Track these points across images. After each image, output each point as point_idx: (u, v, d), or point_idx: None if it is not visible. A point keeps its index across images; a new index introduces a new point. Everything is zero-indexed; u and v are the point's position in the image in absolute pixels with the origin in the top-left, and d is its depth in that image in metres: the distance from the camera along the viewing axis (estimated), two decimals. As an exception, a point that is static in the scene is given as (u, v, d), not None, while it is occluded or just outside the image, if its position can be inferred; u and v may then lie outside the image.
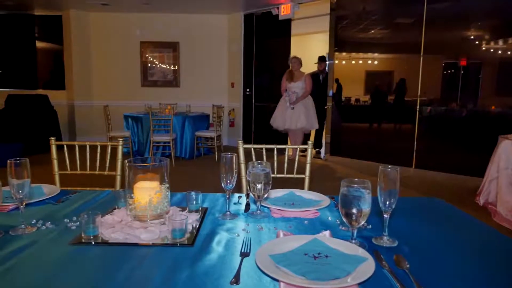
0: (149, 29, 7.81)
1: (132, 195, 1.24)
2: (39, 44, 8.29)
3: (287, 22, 7.09)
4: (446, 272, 0.97)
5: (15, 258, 1.01)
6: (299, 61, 6.25)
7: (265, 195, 1.36)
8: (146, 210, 1.22)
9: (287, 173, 2.09)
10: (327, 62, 6.88)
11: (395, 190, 1.14)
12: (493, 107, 5.49)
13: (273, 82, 7.95)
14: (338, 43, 6.56)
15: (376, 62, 6.84)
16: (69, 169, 2.09)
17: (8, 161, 1.19)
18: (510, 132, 4.36)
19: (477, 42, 5.53)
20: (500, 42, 5.43)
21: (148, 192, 1.22)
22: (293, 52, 7.31)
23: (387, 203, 1.14)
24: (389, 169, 1.14)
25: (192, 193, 1.38)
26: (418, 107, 5.65)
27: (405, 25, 6.12)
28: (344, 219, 1.10)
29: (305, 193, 1.64)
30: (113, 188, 2.01)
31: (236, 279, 0.90)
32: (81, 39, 7.70)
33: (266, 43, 7.76)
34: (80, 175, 2.12)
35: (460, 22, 5.47)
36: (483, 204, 3.98)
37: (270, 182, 1.35)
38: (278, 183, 1.79)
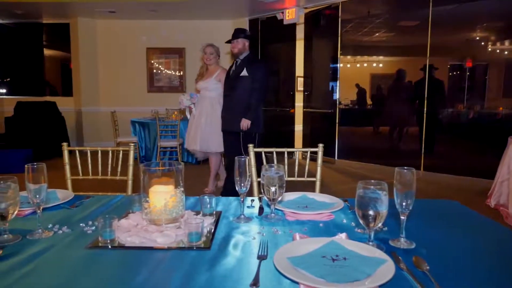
0: (155, 36, 7.87)
1: (148, 199, 1.25)
2: (46, 52, 8.38)
3: (292, 27, 7.10)
4: (466, 274, 0.96)
5: (34, 262, 1.01)
6: (216, 51, 4.44)
7: (279, 198, 1.36)
8: (161, 214, 1.22)
9: (298, 176, 2.08)
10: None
11: (412, 191, 1.13)
12: (500, 108, 5.45)
13: (279, 87, 7.97)
14: (343, 46, 6.56)
15: (381, 65, 6.84)
16: (81, 174, 2.10)
17: (26, 166, 1.20)
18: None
19: (482, 43, 5.51)
20: (506, 43, 5.41)
21: (163, 196, 1.23)
22: (299, 57, 7.34)
23: (404, 204, 1.14)
24: (405, 171, 1.13)
25: (206, 197, 1.39)
26: (425, 109, 5.61)
27: (410, 27, 6.11)
28: (361, 221, 1.09)
29: (318, 196, 1.63)
30: (124, 193, 2.01)
31: (255, 282, 0.90)
32: (88, 46, 7.77)
33: (272, 47, 7.79)
34: (92, 180, 2.13)
35: (465, 24, 5.45)
36: (495, 206, 3.94)
37: (284, 185, 1.35)
38: (288, 187, 1.78)
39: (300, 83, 7.53)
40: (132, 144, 2.06)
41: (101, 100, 8.01)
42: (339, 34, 6.46)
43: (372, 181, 1.08)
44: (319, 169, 2.06)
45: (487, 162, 4.94)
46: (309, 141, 7.16)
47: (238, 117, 3.80)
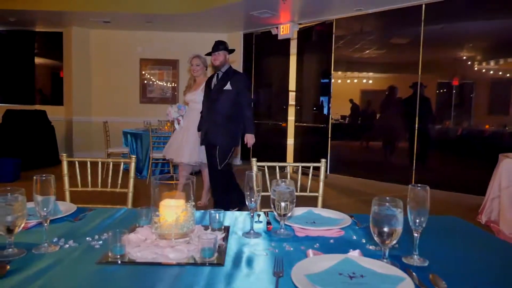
0: (149, 47, 7.88)
1: (158, 213, 1.23)
2: (37, 60, 8.29)
3: (287, 42, 7.19)
4: (483, 292, 0.97)
5: (42, 279, 0.98)
6: (202, 62, 4.37)
7: (289, 214, 1.36)
8: (172, 228, 1.20)
9: (300, 191, 2.08)
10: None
11: (425, 209, 1.14)
12: (487, 126, 5.58)
13: (272, 100, 8.02)
14: (335, 62, 6.64)
15: (370, 81, 6.95)
16: (80, 185, 2.06)
17: (34, 177, 1.17)
18: (506, 150, 4.41)
19: (469, 63, 5.65)
20: (492, 63, 5.56)
21: (174, 210, 1.21)
22: (292, 72, 7.41)
23: (417, 221, 1.14)
24: (418, 188, 1.14)
25: (215, 211, 1.37)
26: (416, 125, 5.71)
27: (401, 45, 6.24)
28: (376, 239, 1.09)
29: (323, 211, 1.63)
30: (125, 206, 1.98)
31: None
32: (81, 55, 7.72)
33: (266, 61, 7.86)
34: (91, 192, 2.09)
35: (453, 44, 5.59)
36: (485, 223, 3.99)
37: (295, 200, 1.34)
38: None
39: (292, 97, 7.60)
40: (133, 157, 2.03)
41: (92, 110, 7.93)
42: (333, 50, 6.56)
43: (387, 198, 1.09)
44: (321, 184, 2.07)
45: (476, 178, 5.02)
46: (300, 156, 7.19)
47: (221, 130, 3.78)
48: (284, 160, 7.40)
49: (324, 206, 1.92)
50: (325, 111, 6.87)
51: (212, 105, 3.87)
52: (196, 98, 4.30)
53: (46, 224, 1.19)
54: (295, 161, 7.29)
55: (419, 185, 1.15)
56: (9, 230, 1.09)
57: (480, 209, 4.14)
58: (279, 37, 7.02)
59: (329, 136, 6.68)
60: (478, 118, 5.65)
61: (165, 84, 8.05)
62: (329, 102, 6.76)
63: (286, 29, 6.89)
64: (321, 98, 7.11)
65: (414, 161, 5.76)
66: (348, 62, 6.77)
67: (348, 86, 6.89)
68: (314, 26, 6.91)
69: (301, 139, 7.32)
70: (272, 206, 1.35)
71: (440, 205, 5.01)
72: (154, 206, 1.24)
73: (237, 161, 7.96)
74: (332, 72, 6.64)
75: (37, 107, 7.76)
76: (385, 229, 1.06)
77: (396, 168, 6.10)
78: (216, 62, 3.86)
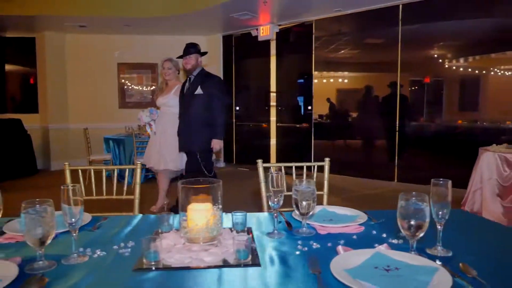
0: (127, 51, 7.74)
1: (185, 217, 1.23)
2: (8, 67, 7.98)
3: (267, 43, 7.25)
4: None
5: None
6: (174, 66, 4.26)
7: (311, 213, 1.39)
8: (202, 232, 1.21)
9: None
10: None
11: (447, 202, 1.20)
12: (459, 122, 5.84)
13: (253, 102, 8.05)
14: (315, 62, 6.75)
15: (346, 80, 7.11)
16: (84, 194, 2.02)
17: (62, 187, 1.15)
18: (483, 143, 4.62)
19: (440, 61, 5.87)
20: (461, 60, 5.82)
21: (203, 214, 1.21)
22: (274, 73, 7.47)
23: (440, 214, 1.20)
24: (441, 182, 1.20)
25: (238, 213, 1.38)
26: (397, 122, 5.89)
27: (378, 45, 6.42)
28: (405, 232, 1.14)
29: (337, 209, 1.67)
30: (131, 213, 1.96)
31: (324, 295, 0.91)
32: (56, 61, 7.49)
33: (246, 63, 7.89)
34: (96, 200, 2.05)
35: (429, 43, 5.81)
36: (469, 214, 4.16)
37: (316, 199, 1.38)
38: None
39: (274, 98, 7.66)
40: (139, 163, 2.01)
41: (69, 117, 7.71)
42: (313, 51, 6.66)
43: (414, 192, 1.14)
44: (326, 183, 2.12)
45: (455, 171, 5.24)
46: (284, 156, 7.26)
47: (196, 136, 3.70)
48: (269, 161, 7.45)
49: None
50: (307, 111, 6.97)
51: (185, 111, 3.80)
52: (168, 101, 4.21)
53: (75, 234, 1.17)
54: (278, 161, 7.35)
55: (441, 179, 1.20)
56: (41, 242, 1.07)
57: (463, 201, 4.31)
58: (259, 39, 7.07)
59: (312, 135, 6.78)
60: (452, 115, 5.90)
61: (145, 89, 7.93)
62: (311, 102, 6.86)
63: (266, 31, 6.94)
64: (302, 98, 7.22)
65: (396, 158, 5.93)
66: (328, 62, 6.90)
67: (325, 85, 7.00)
68: (293, 27, 7.00)
69: (283, 139, 7.40)
70: (294, 205, 1.38)
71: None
72: (182, 210, 1.24)
73: (221, 164, 7.95)
74: (313, 72, 6.74)
75: (8, 115, 7.47)
76: (414, 223, 1.11)
77: (379, 165, 6.27)
78: (187, 66, 3.77)
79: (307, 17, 6.61)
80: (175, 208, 4.02)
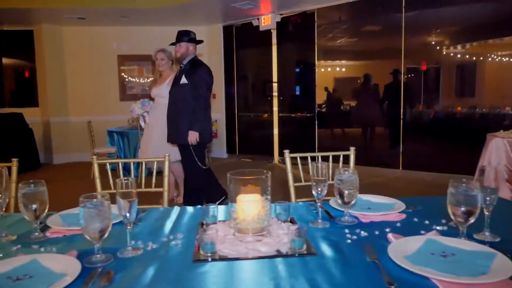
0: (126, 43, 7.65)
1: (235, 208, 1.24)
2: (5, 61, 7.86)
3: (268, 33, 7.20)
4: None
5: (148, 281, 0.97)
6: (167, 56, 4.27)
7: (353, 201, 1.40)
8: (253, 223, 1.22)
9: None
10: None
11: (495, 188, 1.22)
12: (459, 108, 5.89)
13: (256, 92, 8.02)
14: (318, 51, 6.73)
15: (344, 69, 7.10)
16: (112, 187, 2.02)
17: (117, 180, 1.15)
18: (488, 129, 4.66)
19: (438, 48, 5.88)
20: (459, 47, 5.86)
21: (254, 205, 1.22)
22: (275, 62, 7.44)
23: (488, 200, 1.22)
24: (489, 168, 1.21)
25: (281, 203, 1.40)
26: (402, 110, 5.92)
27: (379, 32, 6.41)
28: (456, 219, 1.16)
29: (370, 197, 1.69)
30: (159, 205, 1.96)
31: (391, 282, 0.93)
32: (54, 54, 7.39)
33: (247, 53, 7.84)
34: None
35: (427, 29, 5.82)
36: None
37: (358, 188, 1.39)
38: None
39: (275, 88, 7.63)
40: (167, 155, 2.01)
41: (70, 110, 7.65)
42: (316, 39, 6.64)
43: (463, 179, 1.15)
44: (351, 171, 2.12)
45: (460, 158, 5.31)
46: (287, 145, 7.25)
47: (181, 128, 3.56)
48: (272, 151, 7.46)
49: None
50: (309, 100, 6.96)
51: (171, 101, 3.72)
52: (162, 92, 4.15)
53: (129, 227, 1.17)
54: (281, 151, 7.37)
55: (488, 165, 1.22)
56: (100, 236, 1.07)
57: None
58: (261, 28, 7.01)
59: (316, 124, 6.79)
60: (451, 101, 5.96)
61: (145, 81, 7.86)
62: (313, 91, 6.86)
63: (267, 20, 6.89)
64: (304, 87, 7.21)
65: (401, 145, 5.97)
66: (330, 51, 6.88)
67: (327, 74, 6.98)
68: (295, 16, 6.95)
69: (286, 129, 7.40)
70: (336, 194, 1.39)
71: (429, 186, 5.25)
72: (231, 201, 1.25)
73: (223, 155, 7.95)
74: (316, 61, 6.72)
75: (8, 109, 7.38)
76: (466, 209, 1.13)
77: (383, 153, 6.31)
78: (177, 54, 3.68)
79: (309, 6, 6.56)
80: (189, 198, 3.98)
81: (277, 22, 6.98)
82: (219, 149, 7.90)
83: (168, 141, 3.85)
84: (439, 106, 5.99)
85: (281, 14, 6.91)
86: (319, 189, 1.39)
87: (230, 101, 7.97)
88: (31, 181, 1.28)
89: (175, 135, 3.71)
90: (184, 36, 3.67)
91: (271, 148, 7.54)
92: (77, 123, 7.49)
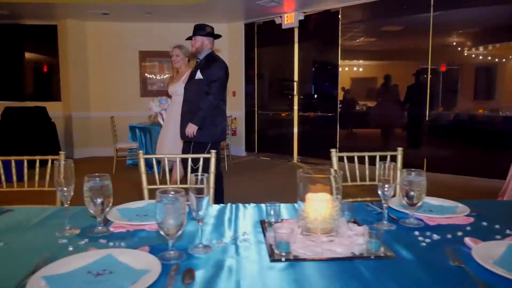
0: (148, 39, 7.68)
1: (304, 207, 1.21)
2: (27, 55, 7.95)
3: (290, 31, 7.15)
4: None
5: (231, 280, 0.95)
6: (183, 53, 4.16)
7: (420, 203, 1.36)
8: (324, 222, 1.19)
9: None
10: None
11: None
12: (480, 111, 5.79)
13: (276, 90, 7.98)
14: (342, 50, 6.66)
15: (361, 69, 7.02)
16: (158, 183, 2.01)
17: (190, 175, 1.13)
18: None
19: (459, 49, 5.78)
20: (481, 48, 5.75)
21: (324, 204, 1.19)
22: (296, 61, 7.39)
23: None
24: None
25: (346, 203, 1.36)
26: (427, 112, 5.82)
27: (404, 32, 6.31)
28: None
29: (429, 199, 1.64)
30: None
31: (485, 285, 0.89)
32: (78, 49, 7.46)
33: (268, 51, 7.81)
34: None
35: (443, 30, 5.72)
36: (508, 204, 4.13)
37: (425, 189, 1.35)
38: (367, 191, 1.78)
39: (296, 87, 7.59)
40: (214, 152, 1.99)
41: (91, 105, 7.71)
42: (339, 38, 6.57)
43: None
44: (399, 172, 2.08)
45: (487, 161, 5.20)
46: (307, 145, 7.22)
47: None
48: (291, 150, 7.42)
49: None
50: (331, 99, 6.89)
51: (186, 97, 3.57)
52: (178, 90, 4.03)
53: (201, 224, 1.15)
54: (300, 150, 7.33)
55: None
56: (176, 232, 1.05)
57: (501, 192, 4.26)
58: (283, 26, 6.97)
59: (338, 124, 6.72)
60: (473, 103, 5.85)
61: (166, 77, 7.88)
62: (336, 90, 6.79)
63: (290, 18, 6.84)
64: (326, 87, 7.15)
65: (425, 148, 5.88)
66: (354, 51, 6.81)
67: (348, 74, 6.90)
68: (318, 14, 6.89)
69: (306, 128, 7.35)
70: (403, 195, 1.35)
71: (455, 190, 5.15)
72: (300, 200, 1.22)
73: (242, 153, 7.94)
74: (339, 60, 6.66)
75: (31, 103, 7.45)
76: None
77: (407, 155, 6.21)
78: (192, 49, 3.56)
79: (333, 4, 6.50)
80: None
81: (300, 21, 6.93)
82: (238, 147, 7.89)
83: (181, 138, 3.65)
84: (461, 108, 5.89)
85: (304, 12, 6.85)
86: (386, 189, 1.35)
87: (249, 99, 7.95)
88: (96, 174, 1.27)
89: (182, 132, 3.53)
90: (199, 30, 3.54)
91: (290, 147, 7.50)
92: (97, 118, 7.54)
